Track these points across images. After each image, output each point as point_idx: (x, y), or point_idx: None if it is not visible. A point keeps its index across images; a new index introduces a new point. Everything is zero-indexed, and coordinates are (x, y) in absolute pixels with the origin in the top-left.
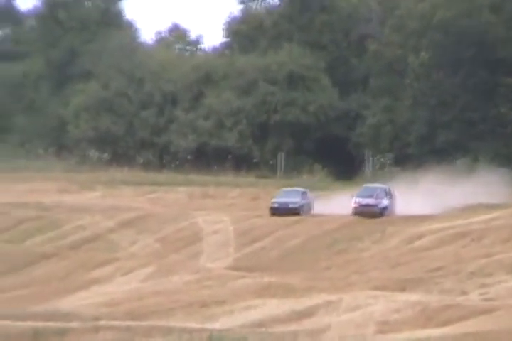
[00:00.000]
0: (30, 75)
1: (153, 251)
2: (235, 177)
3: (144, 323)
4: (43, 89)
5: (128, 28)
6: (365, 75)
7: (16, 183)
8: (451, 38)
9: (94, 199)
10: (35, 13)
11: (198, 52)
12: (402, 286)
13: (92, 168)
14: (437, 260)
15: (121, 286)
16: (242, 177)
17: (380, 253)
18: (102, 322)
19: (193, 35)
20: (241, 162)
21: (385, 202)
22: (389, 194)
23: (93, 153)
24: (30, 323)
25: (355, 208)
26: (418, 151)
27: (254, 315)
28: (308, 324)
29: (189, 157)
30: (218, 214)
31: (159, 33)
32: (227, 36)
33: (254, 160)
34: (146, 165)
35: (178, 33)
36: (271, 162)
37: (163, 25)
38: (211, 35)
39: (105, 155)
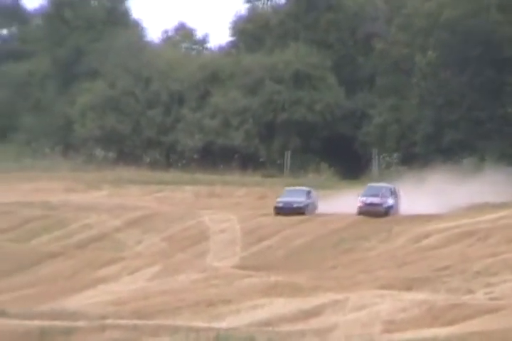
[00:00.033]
0: (37, 74)
1: (159, 250)
2: (242, 176)
3: (150, 322)
4: (49, 88)
5: (134, 27)
6: (371, 74)
7: (23, 182)
8: (458, 37)
9: (101, 198)
10: (41, 12)
11: (205, 51)
12: (409, 285)
13: (98, 167)
14: (444, 259)
15: (128, 285)
16: (249, 176)
17: (387, 252)
18: (109, 321)
19: (199, 34)
20: (247, 161)
21: (390, 201)
22: (394, 193)
23: (99, 152)
24: (36, 322)
25: (360, 207)
26: (425, 150)
27: (260, 314)
28: (314, 323)
29: (196, 156)
30: (225, 213)
31: (166, 32)
32: (233, 35)
33: (261, 159)
34: (153, 164)
35: (184, 32)
36: (277, 161)
37: (170, 24)
38: (217, 34)
39: (111, 154)
